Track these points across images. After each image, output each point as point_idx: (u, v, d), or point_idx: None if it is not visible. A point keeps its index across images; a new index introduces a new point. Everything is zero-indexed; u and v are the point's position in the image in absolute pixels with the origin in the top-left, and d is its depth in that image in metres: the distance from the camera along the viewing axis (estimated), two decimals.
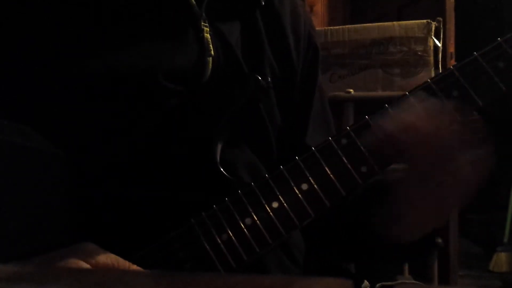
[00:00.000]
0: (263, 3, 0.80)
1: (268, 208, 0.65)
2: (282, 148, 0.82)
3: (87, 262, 0.57)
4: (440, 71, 1.95)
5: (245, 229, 0.64)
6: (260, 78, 0.72)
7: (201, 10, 0.74)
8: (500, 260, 2.97)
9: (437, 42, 1.97)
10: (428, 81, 0.68)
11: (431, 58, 1.95)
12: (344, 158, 0.66)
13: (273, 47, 0.82)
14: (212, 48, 0.74)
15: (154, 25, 0.73)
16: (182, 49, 0.73)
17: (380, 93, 1.97)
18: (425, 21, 1.96)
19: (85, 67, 0.69)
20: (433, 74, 1.95)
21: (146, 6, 0.73)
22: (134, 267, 0.60)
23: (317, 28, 2.17)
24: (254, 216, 0.65)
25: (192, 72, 0.73)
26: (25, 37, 0.69)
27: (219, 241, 0.64)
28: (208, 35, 0.74)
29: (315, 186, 0.66)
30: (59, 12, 0.70)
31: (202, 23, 0.74)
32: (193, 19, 0.74)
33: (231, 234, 0.64)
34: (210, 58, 0.74)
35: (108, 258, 0.58)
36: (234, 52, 0.77)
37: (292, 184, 0.66)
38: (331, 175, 0.66)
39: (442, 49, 2.00)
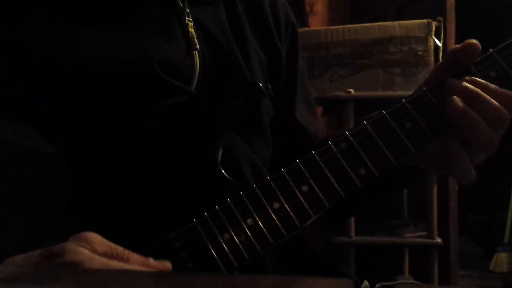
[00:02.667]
0: None
1: (269, 209, 0.66)
2: (274, 129, 0.83)
3: (85, 248, 0.57)
4: None
5: (246, 229, 0.65)
6: (261, 85, 0.73)
7: (184, 4, 0.75)
8: (500, 260, 2.97)
9: (437, 41, 1.97)
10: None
11: (432, 58, 1.95)
12: (343, 161, 0.68)
13: (256, 33, 0.83)
14: (197, 43, 0.75)
15: (144, 19, 0.74)
16: (171, 42, 0.74)
17: (380, 93, 1.96)
18: (425, 20, 1.96)
19: (79, 59, 0.69)
20: None
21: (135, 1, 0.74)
22: (133, 255, 0.60)
23: (317, 28, 2.17)
24: (256, 216, 0.66)
25: (184, 66, 0.74)
26: (17, 32, 0.69)
27: (221, 241, 0.65)
28: (192, 30, 0.75)
29: (315, 188, 0.67)
30: (51, 7, 0.71)
31: (186, 17, 0.75)
32: (178, 14, 0.75)
33: (233, 234, 0.65)
34: (196, 52, 0.75)
35: (106, 246, 0.59)
36: (221, 46, 0.78)
37: (293, 185, 0.67)
38: (330, 178, 0.68)
39: (442, 49, 2.00)
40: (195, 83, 0.75)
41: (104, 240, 0.59)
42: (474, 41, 0.70)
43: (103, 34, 0.71)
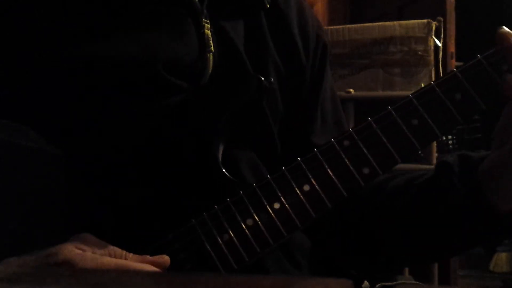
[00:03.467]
0: (268, 6, 0.81)
1: (269, 209, 0.65)
2: (286, 145, 0.82)
3: (83, 250, 0.58)
4: (440, 71, 1.96)
5: (246, 230, 0.64)
6: (262, 78, 0.72)
7: (203, 7, 0.74)
8: (500, 260, 2.98)
9: (437, 41, 1.97)
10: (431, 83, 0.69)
11: (432, 58, 1.95)
12: (346, 160, 0.66)
13: (279, 47, 0.82)
14: (212, 45, 0.74)
15: (155, 18, 0.73)
16: (183, 43, 0.73)
17: (380, 93, 1.97)
18: (425, 20, 1.96)
19: (84, 57, 0.68)
20: (433, 74, 1.95)
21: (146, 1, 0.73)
22: (130, 255, 0.60)
23: None
24: (256, 217, 0.65)
25: (193, 67, 0.73)
26: (22, 29, 0.69)
27: (220, 242, 0.64)
28: (209, 32, 0.74)
29: (316, 187, 0.66)
30: (54, 5, 0.70)
31: (203, 19, 0.74)
32: (194, 15, 0.74)
33: (232, 235, 0.64)
34: (211, 54, 0.74)
35: (104, 248, 0.59)
36: (237, 50, 0.77)
37: (294, 185, 0.66)
38: (333, 177, 0.66)
39: (442, 49, 2.00)
40: (206, 85, 0.74)
41: (102, 242, 0.59)
42: None
43: (109, 33, 0.70)
